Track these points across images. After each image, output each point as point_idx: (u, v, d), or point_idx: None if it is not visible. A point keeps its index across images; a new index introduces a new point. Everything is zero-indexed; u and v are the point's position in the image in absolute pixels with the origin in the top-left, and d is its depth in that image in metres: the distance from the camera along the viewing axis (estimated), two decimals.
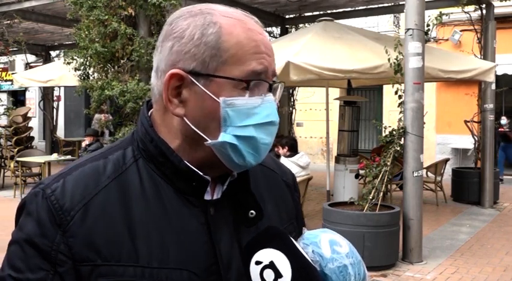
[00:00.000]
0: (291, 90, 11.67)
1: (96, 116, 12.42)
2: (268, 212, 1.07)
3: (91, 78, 7.12)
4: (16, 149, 11.79)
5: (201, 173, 0.98)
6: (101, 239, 0.92)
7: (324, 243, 0.97)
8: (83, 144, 10.69)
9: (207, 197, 1.00)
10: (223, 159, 0.96)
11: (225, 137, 0.94)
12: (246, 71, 0.94)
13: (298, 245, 0.95)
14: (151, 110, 1.04)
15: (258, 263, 0.92)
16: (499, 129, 11.56)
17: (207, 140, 0.95)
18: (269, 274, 0.91)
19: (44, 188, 0.95)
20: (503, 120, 11.62)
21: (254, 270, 0.92)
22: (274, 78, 1.01)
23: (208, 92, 0.94)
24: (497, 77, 9.60)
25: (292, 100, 11.73)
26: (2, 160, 11.89)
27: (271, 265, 0.91)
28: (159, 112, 1.01)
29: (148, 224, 0.94)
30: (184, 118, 0.96)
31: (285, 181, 1.18)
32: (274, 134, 0.99)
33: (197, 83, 0.95)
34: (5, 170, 11.72)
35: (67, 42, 14.36)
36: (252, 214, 1.00)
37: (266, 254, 0.92)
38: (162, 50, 0.98)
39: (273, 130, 0.98)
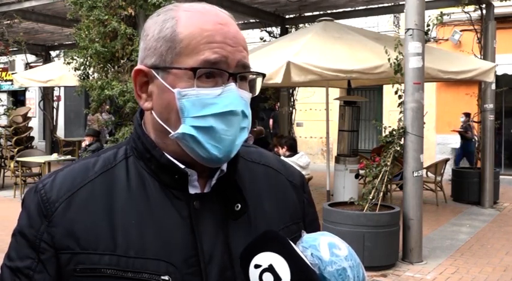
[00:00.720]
0: (291, 90, 11.67)
1: (91, 117, 12.41)
2: (267, 211, 1.07)
3: (91, 78, 7.12)
4: (16, 149, 11.79)
5: (183, 166, 0.99)
6: (81, 229, 0.96)
7: (323, 246, 0.97)
8: (83, 144, 10.68)
9: (196, 191, 1.01)
10: (188, 152, 0.97)
11: (183, 128, 0.95)
12: (198, 61, 0.95)
13: (297, 248, 0.95)
14: None
15: (257, 266, 0.91)
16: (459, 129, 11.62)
17: (170, 133, 0.97)
18: (268, 277, 0.90)
19: (38, 183, 1.03)
20: (462, 117, 11.59)
21: (253, 273, 0.91)
22: (253, 70, 1.01)
23: (165, 84, 0.97)
24: (497, 77, 9.60)
25: (292, 100, 11.73)
26: (2, 160, 11.89)
27: (270, 269, 0.90)
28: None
29: (129, 216, 0.97)
30: (152, 112, 1.00)
31: (291, 182, 1.17)
32: (237, 124, 0.97)
33: (157, 77, 0.98)
34: (5, 170, 11.73)
35: (67, 42, 14.36)
36: (237, 206, 1.01)
37: (265, 258, 0.92)
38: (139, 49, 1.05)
39: (234, 120, 0.96)
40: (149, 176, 1.01)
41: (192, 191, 1.01)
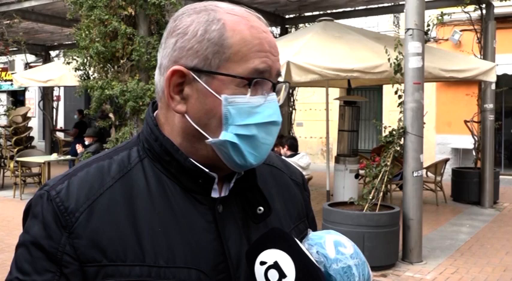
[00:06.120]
0: (291, 90, 11.68)
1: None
2: (277, 210, 1.07)
3: (91, 78, 7.12)
4: (16, 149, 11.79)
5: (207, 170, 0.97)
6: (107, 240, 0.91)
7: (328, 244, 0.97)
8: (79, 150, 10.34)
9: (215, 194, 0.99)
10: (223, 158, 0.95)
11: (226, 135, 0.93)
12: (248, 69, 0.93)
13: (303, 246, 0.95)
14: (157, 110, 1.04)
15: (262, 263, 0.92)
16: None
17: (208, 138, 0.94)
18: (273, 274, 0.91)
19: (49, 189, 0.95)
20: None
21: (259, 270, 0.92)
22: (280, 78, 1.00)
23: (210, 89, 0.93)
24: (497, 77, 9.61)
25: (292, 100, 11.73)
26: (2, 160, 11.87)
27: (276, 265, 0.91)
28: (163, 110, 1.01)
29: (154, 223, 0.94)
30: (186, 115, 0.96)
31: (294, 180, 1.18)
32: (275, 134, 0.98)
33: (199, 80, 0.94)
34: (5, 170, 11.72)
35: (67, 42, 14.37)
36: (260, 210, 1.00)
37: (270, 255, 0.92)
38: (165, 46, 0.98)
39: (274, 130, 0.97)
40: (168, 180, 0.98)
41: (212, 194, 0.99)
